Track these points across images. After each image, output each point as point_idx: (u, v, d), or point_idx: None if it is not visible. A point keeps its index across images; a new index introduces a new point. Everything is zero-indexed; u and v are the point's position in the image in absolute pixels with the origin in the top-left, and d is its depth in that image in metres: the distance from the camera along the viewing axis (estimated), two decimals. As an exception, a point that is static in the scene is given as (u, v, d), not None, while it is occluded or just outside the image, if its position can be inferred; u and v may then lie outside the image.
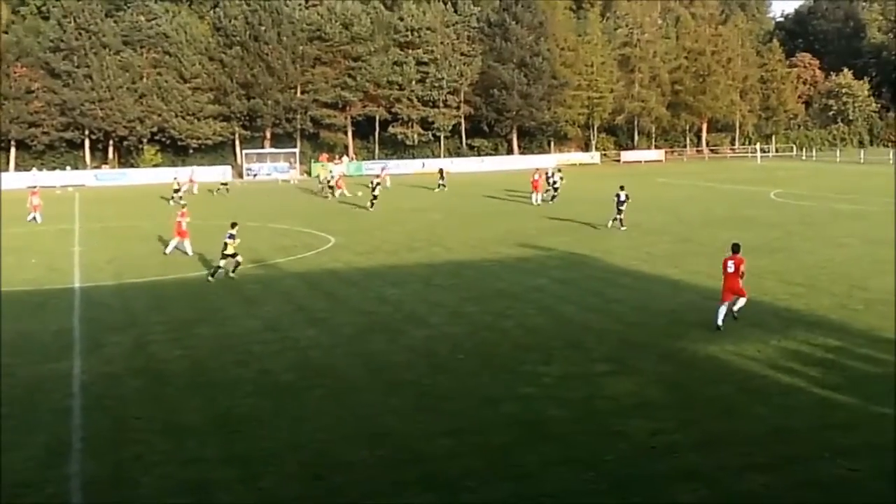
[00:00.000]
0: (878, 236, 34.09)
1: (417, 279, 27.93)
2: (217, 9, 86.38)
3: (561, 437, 13.93)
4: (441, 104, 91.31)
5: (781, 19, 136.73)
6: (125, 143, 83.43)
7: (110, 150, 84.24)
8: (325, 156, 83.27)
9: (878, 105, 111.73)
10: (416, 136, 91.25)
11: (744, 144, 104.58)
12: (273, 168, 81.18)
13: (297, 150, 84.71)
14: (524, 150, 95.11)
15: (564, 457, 13.12)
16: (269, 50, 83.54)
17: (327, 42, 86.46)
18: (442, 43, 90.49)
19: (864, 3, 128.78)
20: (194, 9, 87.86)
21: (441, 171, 64.38)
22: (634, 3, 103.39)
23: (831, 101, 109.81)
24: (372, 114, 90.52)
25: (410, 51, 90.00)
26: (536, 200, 50.43)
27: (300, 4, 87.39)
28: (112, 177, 78.87)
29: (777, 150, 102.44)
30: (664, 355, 18.42)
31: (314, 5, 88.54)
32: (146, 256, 33.66)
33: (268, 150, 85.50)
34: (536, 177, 51.87)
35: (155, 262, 32.27)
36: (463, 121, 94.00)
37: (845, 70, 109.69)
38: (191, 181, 65.22)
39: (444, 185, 61.09)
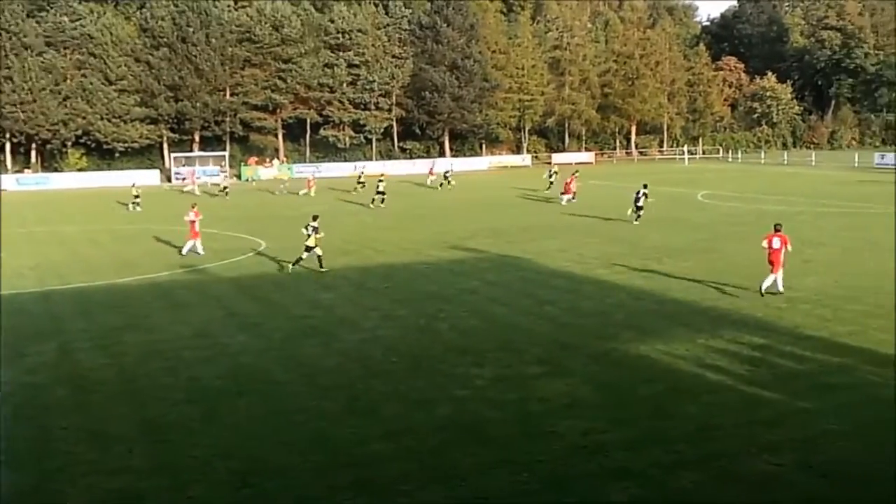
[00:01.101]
0: (802, 236, 34.83)
1: (349, 283, 27.80)
2: (143, 10, 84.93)
3: (495, 439, 13.96)
4: (373, 107, 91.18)
5: (708, 23, 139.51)
6: (48, 146, 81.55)
7: (33, 153, 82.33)
8: (254, 159, 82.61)
9: (801, 108, 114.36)
10: (347, 138, 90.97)
11: (672, 146, 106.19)
12: (202, 171, 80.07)
13: (226, 154, 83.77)
14: (456, 153, 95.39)
15: (498, 458, 13.15)
16: (197, 51, 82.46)
17: (257, 44, 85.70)
18: (373, 45, 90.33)
19: (787, 8, 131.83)
20: (120, 9, 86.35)
21: (446, 173, 66.19)
22: (564, 7, 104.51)
23: (756, 104, 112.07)
24: (303, 116, 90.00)
25: (341, 53, 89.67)
26: (563, 201, 50.47)
27: (229, 6, 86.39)
28: (34, 181, 76.96)
29: (704, 152, 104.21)
30: (595, 356, 18.59)
31: (243, 7, 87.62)
32: (71, 263, 32.95)
33: (196, 153, 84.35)
34: (569, 179, 52.18)
35: (80, 268, 31.60)
36: (395, 123, 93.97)
37: (769, 73, 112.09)
38: (192, 181, 66.81)
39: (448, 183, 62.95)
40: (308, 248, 29.40)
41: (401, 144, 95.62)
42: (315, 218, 30.07)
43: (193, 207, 34.99)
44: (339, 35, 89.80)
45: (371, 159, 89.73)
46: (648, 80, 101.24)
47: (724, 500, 11.74)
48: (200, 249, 33.68)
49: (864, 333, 19.64)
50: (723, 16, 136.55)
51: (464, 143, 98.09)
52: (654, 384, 16.54)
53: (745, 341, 19.40)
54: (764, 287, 23.87)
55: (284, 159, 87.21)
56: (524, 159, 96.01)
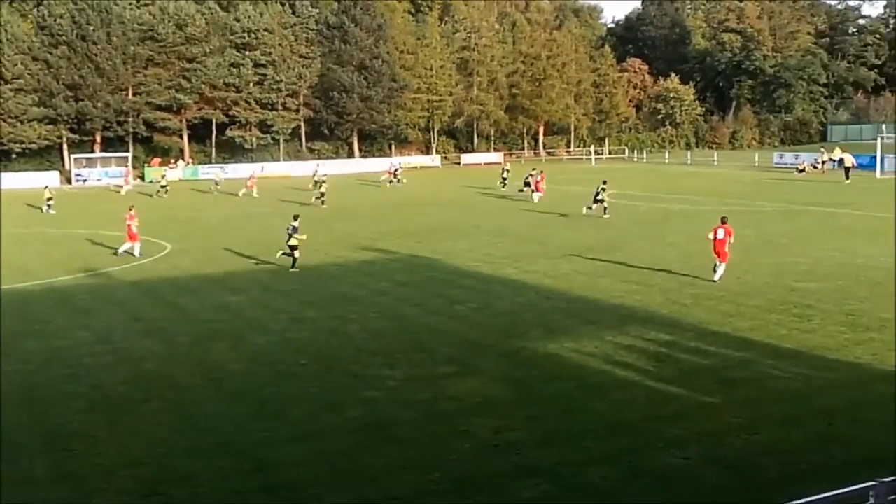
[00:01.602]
0: (701, 234, 35.60)
1: (258, 285, 27.46)
2: (41, 7, 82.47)
3: (406, 440, 13.93)
4: (280, 107, 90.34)
5: (612, 25, 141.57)
6: (-59, 147, 78.73)
7: (-75, 155, 79.44)
8: (157, 160, 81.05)
9: (703, 109, 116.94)
10: (254, 139, 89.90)
11: (579, 147, 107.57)
12: (104, 173, 78.18)
13: (129, 155, 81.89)
14: (365, 153, 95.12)
15: (410, 459, 13.13)
16: (97, 50, 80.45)
17: (160, 43, 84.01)
18: (280, 45, 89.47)
19: (689, 11, 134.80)
20: (16, 7, 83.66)
21: (503, 168, 64.98)
22: (472, 8, 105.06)
23: (660, 105, 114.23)
24: (208, 117, 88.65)
25: (248, 52, 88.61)
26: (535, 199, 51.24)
27: (131, 4, 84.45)
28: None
29: (610, 152, 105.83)
30: (506, 354, 18.70)
31: (145, 5, 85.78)
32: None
33: (98, 154, 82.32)
34: (539, 178, 52.87)
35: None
36: (303, 124, 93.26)
37: (672, 75, 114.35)
38: (126, 181, 66.09)
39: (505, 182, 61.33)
40: (291, 247, 29.77)
41: (309, 145, 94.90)
42: (296, 218, 30.70)
43: (131, 210, 34.60)
44: (245, 34, 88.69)
45: (279, 160, 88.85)
46: (555, 81, 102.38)
47: (632, 494, 11.91)
48: (137, 252, 33.26)
49: (765, 328, 20.17)
50: (627, 18, 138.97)
51: (373, 143, 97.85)
52: (563, 382, 16.71)
53: (652, 338, 19.74)
54: (717, 277, 25.69)
55: (190, 161, 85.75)
56: (433, 160, 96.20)
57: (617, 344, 19.22)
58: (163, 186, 62.79)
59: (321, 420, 14.89)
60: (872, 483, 6.97)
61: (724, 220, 26.63)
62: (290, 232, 30.16)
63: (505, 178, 60.91)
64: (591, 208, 42.99)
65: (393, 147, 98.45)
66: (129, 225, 33.77)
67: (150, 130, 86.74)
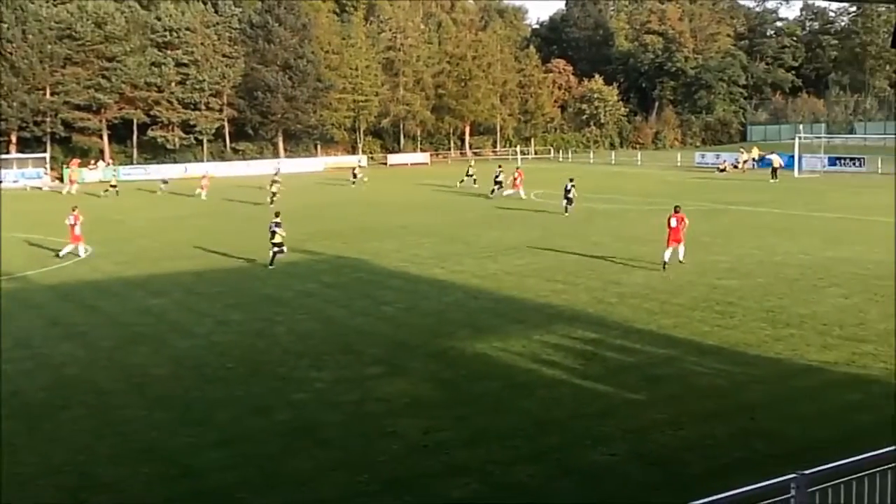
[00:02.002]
0: (629, 234, 36.14)
1: (182, 288, 27.05)
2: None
3: (334, 442, 13.85)
4: (203, 107, 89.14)
5: (537, 26, 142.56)
6: None
7: None
8: (76, 161, 79.24)
9: (627, 109, 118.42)
10: (177, 139, 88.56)
11: (505, 147, 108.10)
12: (21, 174, 76.17)
13: (47, 155, 79.98)
14: (290, 154, 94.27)
15: (338, 460, 13.05)
16: (12, 48, 78.44)
17: (78, 41, 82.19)
18: (202, 44, 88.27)
19: (612, 12, 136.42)
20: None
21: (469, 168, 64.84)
22: (397, 8, 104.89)
23: (584, 106, 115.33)
24: (129, 116, 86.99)
25: (169, 51, 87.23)
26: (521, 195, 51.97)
27: (47, 2, 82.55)
28: None
29: (536, 153, 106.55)
30: (434, 354, 18.70)
31: (63, 3, 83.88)
32: None
33: (14, 155, 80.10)
34: (516, 175, 53.41)
35: None
36: (226, 124, 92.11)
37: (597, 76, 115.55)
38: (70, 181, 64.17)
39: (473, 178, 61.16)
40: (276, 245, 30.17)
41: (233, 145, 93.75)
42: (277, 215, 31.36)
43: (74, 210, 33.92)
44: (167, 33, 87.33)
45: (202, 160, 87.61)
46: (481, 82, 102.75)
47: (560, 492, 11.99)
48: (81, 252, 32.86)
49: (688, 325, 20.50)
50: (551, 19, 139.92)
51: (298, 143, 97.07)
52: (491, 381, 16.77)
53: (578, 336, 19.93)
54: (666, 259, 27.52)
55: (110, 161, 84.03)
56: (360, 160, 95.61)
57: (544, 343, 19.35)
58: (113, 186, 61.90)
59: (248, 424, 14.72)
60: (794, 476, 7.10)
61: (677, 210, 28.39)
62: (272, 229, 30.34)
63: (472, 176, 60.85)
64: (567, 208, 43.51)
65: (319, 147, 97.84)
66: (72, 226, 33.19)
67: (69, 131, 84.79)
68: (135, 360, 18.72)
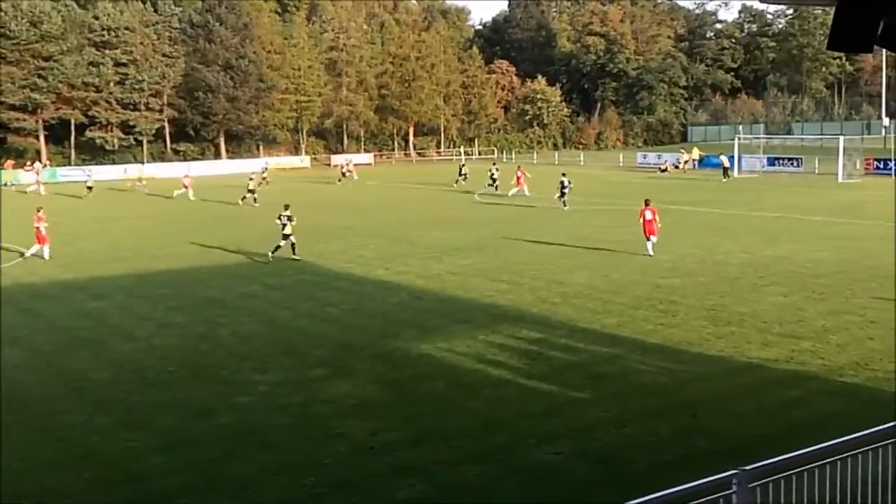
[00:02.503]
0: (574, 233, 36.39)
1: (123, 290, 26.65)
2: None
3: (279, 445, 13.74)
4: (142, 107, 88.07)
5: (480, 27, 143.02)
6: None
7: None
8: (10, 162, 77.77)
9: (570, 110, 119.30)
10: (116, 140, 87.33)
11: (449, 148, 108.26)
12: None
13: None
14: (232, 155, 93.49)
15: (284, 463, 12.95)
16: (-55, 47, 76.81)
17: (13, 40, 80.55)
18: (142, 43, 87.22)
19: (554, 13, 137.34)
20: None
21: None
22: (340, 8, 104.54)
23: (527, 107, 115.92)
24: (67, 117, 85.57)
25: (107, 51, 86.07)
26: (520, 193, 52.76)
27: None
28: None
29: (480, 153, 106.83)
30: (379, 355, 18.66)
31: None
32: None
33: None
34: (519, 173, 54.06)
35: None
36: (167, 124, 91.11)
37: (539, 77, 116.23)
38: (37, 182, 63.63)
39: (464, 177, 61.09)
40: (285, 236, 31.03)
41: (174, 146, 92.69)
42: (287, 207, 31.59)
43: (39, 211, 33.59)
44: (105, 32, 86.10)
45: (142, 162, 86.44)
46: (424, 82, 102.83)
47: (506, 491, 12.02)
48: (46, 254, 32.55)
49: (632, 324, 20.70)
50: (494, 20, 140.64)
51: (240, 144, 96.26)
52: (437, 381, 16.78)
53: (523, 336, 20.02)
54: (650, 251, 29.63)
55: (47, 162, 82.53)
56: (302, 160, 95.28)
57: (489, 343, 19.40)
58: (89, 187, 61.29)
59: (191, 427, 14.55)
60: (735, 472, 7.20)
61: (647, 203, 30.29)
62: (283, 222, 31.19)
63: (464, 175, 61.08)
64: (563, 201, 45.37)
65: (261, 148, 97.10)
66: (37, 227, 32.92)
67: (4, 131, 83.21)
68: (75, 365, 18.40)
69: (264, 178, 63.74)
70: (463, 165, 65.57)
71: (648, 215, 30.09)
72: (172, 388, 16.64)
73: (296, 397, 15.95)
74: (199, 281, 28.08)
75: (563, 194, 45.52)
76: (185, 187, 57.99)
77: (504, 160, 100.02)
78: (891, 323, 19.90)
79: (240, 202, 51.83)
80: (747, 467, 7.26)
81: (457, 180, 61.51)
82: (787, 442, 9.59)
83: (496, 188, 55.52)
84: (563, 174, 47.00)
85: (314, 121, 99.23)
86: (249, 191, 52.13)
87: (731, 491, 7.13)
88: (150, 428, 14.53)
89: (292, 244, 31.17)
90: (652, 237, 30.03)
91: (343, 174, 69.32)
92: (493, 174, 56.81)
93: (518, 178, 53.77)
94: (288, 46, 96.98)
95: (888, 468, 8.42)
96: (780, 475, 7.53)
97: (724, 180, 63.06)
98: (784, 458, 7.62)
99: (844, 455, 8.03)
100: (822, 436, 8.61)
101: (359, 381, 16.94)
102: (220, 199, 55.65)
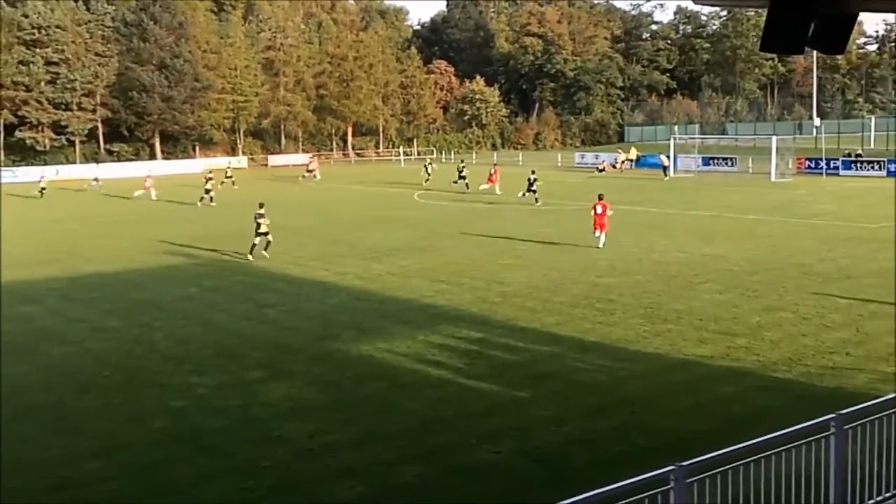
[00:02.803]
0: (514, 232, 36.53)
1: (55, 294, 26.13)
2: None
3: (217, 448, 13.57)
4: (75, 107, 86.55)
5: (419, 27, 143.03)
6: None
7: None
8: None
9: (508, 110, 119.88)
10: (47, 140, 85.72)
11: (388, 148, 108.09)
12: None
13: None
14: (168, 155, 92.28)
15: (222, 467, 12.80)
16: None
17: (-61, 38, 78.80)
18: (73, 42, 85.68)
19: (492, 14, 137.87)
20: None
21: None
22: (277, 8, 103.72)
23: (466, 107, 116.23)
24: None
25: (38, 50, 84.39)
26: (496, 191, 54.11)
27: None
28: None
29: (419, 153, 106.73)
30: (318, 357, 18.53)
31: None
32: None
33: None
34: (493, 171, 55.70)
35: None
36: (100, 124, 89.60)
37: (478, 77, 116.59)
38: None
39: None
40: (261, 234, 31.51)
41: (108, 147, 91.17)
42: (261, 206, 31.97)
43: None
44: (35, 31, 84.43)
45: (75, 162, 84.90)
46: (363, 82, 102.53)
47: (447, 491, 12.00)
48: None
49: (571, 323, 20.83)
50: (433, 20, 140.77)
51: (176, 145, 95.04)
52: (377, 382, 16.70)
53: (463, 336, 20.03)
54: (601, 244, 31.18)
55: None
56: (240, 161, 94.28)
57: (429, 343, 19.38)
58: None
59: (127, 432, 14.29)
60: (672, 468, 7.27)
61: (601, 197, 31.68)
62: (257, 220, 31.58)
63: (464, 176, 59.97)
64: (524, 195, 47.62)
65: (197, 148, 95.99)
66: None
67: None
68: (4, 370, 17.93)
69: (229, 178, 64.06)
70: (429, 164, 66.11)
71: (599, 210, 31.44)
72: (107, 393, 16.35)
73: (233, 400, 15.76)
74: (134, 283, 27.64)
75: (532, 190, 47.68)
76: (146, 188, 57.12)
77: (443, 160, 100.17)
78: (822, 319, 20.33)
79: (198, 203, 51.40)
80: (684, 463, 7.34)
81: (427, 178, 61.95)
82: (724, 437, 9.70)
83: (467, 185, 56.45)
84: (533, 171, 50.29)
85: (251, 121, 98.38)
86: (206, 191, 51.60)
87: (668, 487, 7.21)
88: (85, 433, 14.25)
89: (268, 242, 31.63)
90: (601, 230, 31.43)
91: (307, 171, 70.54)
92: (461, 171, 58.03)
93: (490, 176, 55.11)
94: (224, 46, 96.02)
95: (821, 461, 8.58)
96: (717, 470, 7.62)
97: (666, 178, 64.22)
98: (720, 454, 7.72)
99: (779, 449, 8.16)
100: (757, 431, 8.74)
101: (297, 383, 16.80)
102: (180, 199, 54.98)
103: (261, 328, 21.35)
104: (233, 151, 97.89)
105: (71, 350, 19.55)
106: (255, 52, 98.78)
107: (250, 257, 31.13)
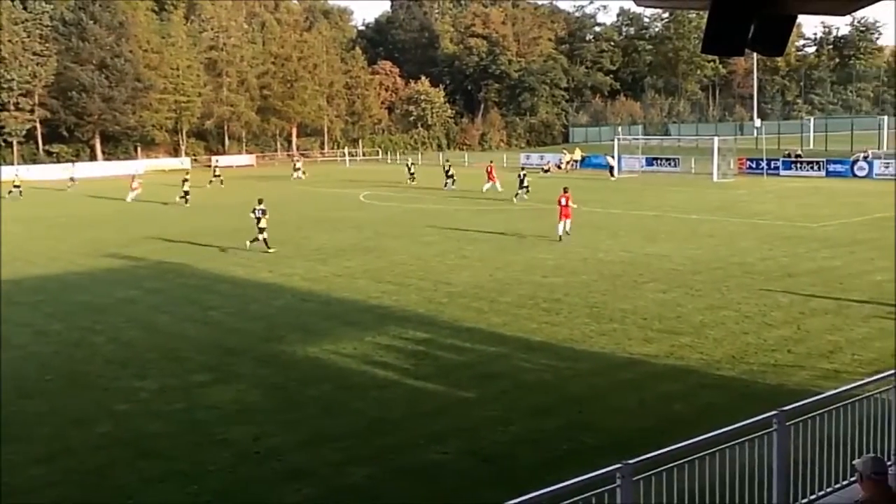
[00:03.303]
0: (460, 233, 36.61)
1: (-6, 297, 25.61)
2: None
3: (161, 452, 13.41)
4: (12, 107, 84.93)
5: (363, 28, 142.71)
6: None
7: None
8: None
9: (453, 111, 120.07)
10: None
11: (333, 149, 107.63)
12: None
13: None
14: (109, 156, 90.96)
15: (166, 471, 12.66)
16: None
17: None
18: (10, 41, 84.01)
19: (437, 15, 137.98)
20: None
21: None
22: (219, 7, 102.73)
23: (412, 108, 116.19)
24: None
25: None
26: (496, 188, 54.55)
27: None
28: None
29: (364, 154, 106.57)
30: (264, 359, 18.41)
31: None
32: None
33: None
34: (489, 168, 56.91)
35: None
36: (38, 125, 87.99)
37: (423, 78, 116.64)
38: None
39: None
40: (261, 230, 32.61)
41: (46, 147, 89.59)
42: (260, 202, 33.07)
43: None
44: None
45: (12, 163, 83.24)
46: (307, 83, 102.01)
47: (395, 491, 12.01)
48: None
49: (517, 323, 20.93)
50: (377, 21, 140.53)
51: (117, 145, 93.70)
52: (323, 384, 16.64)
53: (410, 336, 20.03)
54: (560, 233, 33.61)
55: None
56: (182, 162, 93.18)
57: (376, 344, 19.35)
58: (16, 186, 59.37)
59: (69, 437, 14.09)
60: (619, 466, 7.34)
61: (565, 190, 34.54)
62: (257, 216, 32.74)
63: (451, 176, 59.93)
64: (517, 195, 49.03)
65: (139, 149, 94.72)
66: None
67: None
68: (-58, 376, 17.60)
69: (217, 177, 65.01)
70: (411, 165, 66.90)
71: (563, 202, 33.90)
72: (50, 398, 16.09)
73: (177, 404, 15.60)
74: (75, 286, 27.21)
75: (525, 188, 49.22)
76: (134, 188, 56.23)
77: (388, 161, 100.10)
78: (764, 317, 20.67)
79: (177, 199, 51.68)
80: (630, 461, 7.41)
81: (412, 176, 63.01)
82: (669, 435, 9.83)
83: (453, 184, 57.71)
84: (522, 168, 53.98)
85: (194, 121, 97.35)
86: (185, 192, 51.45)
87: (615, 485, 7.27)
88: (27, 439, 14.01)
89: (264, 238, 32.54)
90: (567, 220, 33.88)
91: (295, 169, 72.05)
92: (447, 170, 58.93)
93: (489, 174, 55.72)
94: (166, 45, 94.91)
95: (765, 458, 8.73)
96: (663, 468, 7.71)
97: (613, 178, 64.94)
98: (666, 451, 7.81)
99: (724, 446, 8.28)
100: (701, 428, 8.85)
101: (242, 385, 16.67)
102: (155, 198, 54.30)
103: (205, 330, 21.15)
104: (175, 152, 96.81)
105: (14, 355, 19.16)
106: (197, 52, 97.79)
107: (248, 245, 32.80)
